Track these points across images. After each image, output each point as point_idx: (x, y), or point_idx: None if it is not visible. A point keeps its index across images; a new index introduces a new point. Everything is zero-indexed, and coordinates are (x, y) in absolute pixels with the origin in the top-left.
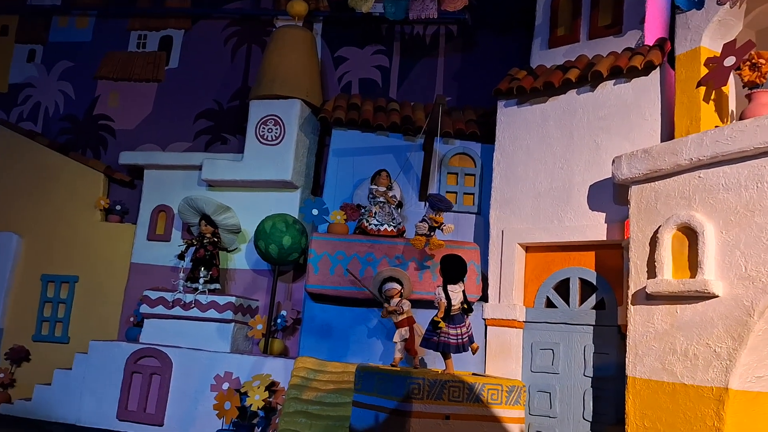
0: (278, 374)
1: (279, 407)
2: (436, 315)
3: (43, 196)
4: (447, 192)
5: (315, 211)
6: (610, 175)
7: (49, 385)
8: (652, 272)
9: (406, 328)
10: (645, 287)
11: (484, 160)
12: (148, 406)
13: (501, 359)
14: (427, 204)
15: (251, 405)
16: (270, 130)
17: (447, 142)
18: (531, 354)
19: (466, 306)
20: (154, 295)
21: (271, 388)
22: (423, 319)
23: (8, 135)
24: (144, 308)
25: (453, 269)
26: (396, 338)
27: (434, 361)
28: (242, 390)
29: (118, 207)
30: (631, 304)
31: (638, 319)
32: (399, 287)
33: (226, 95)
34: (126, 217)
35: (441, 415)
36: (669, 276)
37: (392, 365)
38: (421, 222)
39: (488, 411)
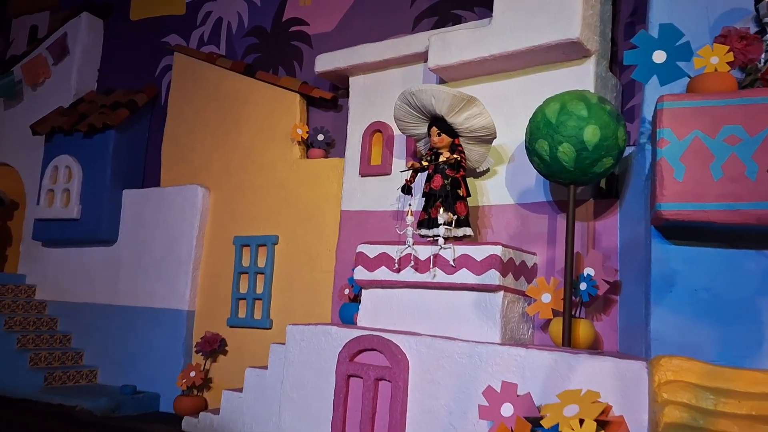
0: (606, 387)
1: None
2: None
3: (230, 134)
4: None
5: (661, 55)
6: None
7: (240, 392)
8: None
9: None
10: None
11: None
12: None
13: None
14: None
15: None
16: None
17: None
18: None
19: None
20: (372, 251)
21: (600, 417)
22: None
23: (188, 63)
24: (360, 273)
25: None
26: None
27: None
28: (544, 422)
29: (320, 137)
30: None
31: None
32: None
33: None
34: (332, 151)
35: None
36: None
37: None
38: None
39: None
